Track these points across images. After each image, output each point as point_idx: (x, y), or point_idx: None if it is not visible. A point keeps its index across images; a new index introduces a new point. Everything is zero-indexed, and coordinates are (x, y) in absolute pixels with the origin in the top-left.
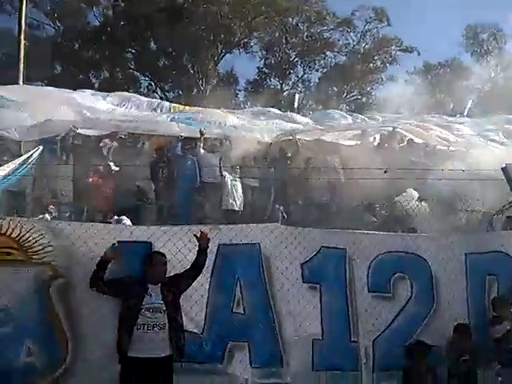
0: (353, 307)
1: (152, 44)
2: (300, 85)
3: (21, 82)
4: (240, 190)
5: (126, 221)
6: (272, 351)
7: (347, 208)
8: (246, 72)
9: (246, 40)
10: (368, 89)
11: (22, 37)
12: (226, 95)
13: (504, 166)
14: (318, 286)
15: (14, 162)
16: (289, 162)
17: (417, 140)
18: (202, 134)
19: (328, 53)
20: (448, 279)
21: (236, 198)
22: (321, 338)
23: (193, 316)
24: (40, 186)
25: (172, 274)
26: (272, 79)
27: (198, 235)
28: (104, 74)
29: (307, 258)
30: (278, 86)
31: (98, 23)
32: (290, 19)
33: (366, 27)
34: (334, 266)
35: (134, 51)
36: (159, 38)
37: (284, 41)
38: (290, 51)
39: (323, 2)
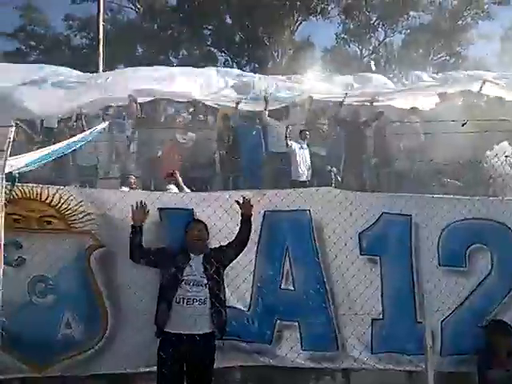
0: (419, 283)
1: (228, 19)
2: (381, 49)
3: (101, 65)
4: (308, 159)
5: (174, 188)
6: (325, 332)
7: (428, 173)
8: (323, 39)
9: (322, 5)
10: (458, 49)
11: (101, 19)
12: (303, 64)
13: None
14: (377, 258)
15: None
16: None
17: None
18: (266, 101)
19: (412, 12)
20: None
21: (304, 167)
22: (381, 317)
23: (238, 291)
24: (109, 161)
25: (215, 245)
26: (351, 45)
27: (240, 201)
28: (183, 52)
29: (365, 227)
30: (358, 52)
31: (176, 2)
32: None
33: None
34: (397, 236)
35: (210, 27)
36: (234, 12)
37: (364, 3)
38: (370, 13)
39: None
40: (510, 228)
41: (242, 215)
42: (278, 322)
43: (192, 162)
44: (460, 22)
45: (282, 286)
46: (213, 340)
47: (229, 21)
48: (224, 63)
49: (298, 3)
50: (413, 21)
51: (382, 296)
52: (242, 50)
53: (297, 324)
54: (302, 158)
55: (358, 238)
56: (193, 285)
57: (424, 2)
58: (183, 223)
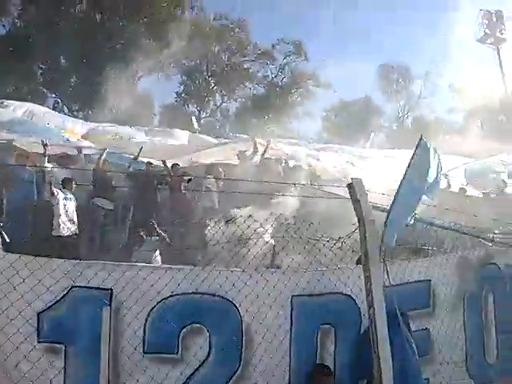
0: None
1: (63, 60)
2: (218, 113)
3: None
4: (73, 211)
5: None
6: None
7: None
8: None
9: (164, 63)
10: (285, 122)
11: None
12: (139, 116)
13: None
14: (62, 346)
15: None
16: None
17: None
18: (44, 145)
19: (247, 83)
20: None
21: (66, 221)
22: None
23: None
24: None
25: None
26: (190, 105)
27: None
28: (10, 87)
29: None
30: (196, 113)
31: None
32: (212, 47)
33: (285, 60)
34: (89, 317)
35: (42, 65)
36: (70, 54)
37: (205, 68)
38: (210, 78)
39: (247, 32)
40: (234, 304)
41: None
42: None
43: None
44: (289, 99)
45: None
46: None
47: (64, 62)
48: (54, 105)
49: (140, 59)
50: (247, 91)
51: None
52: (74, 94)
53: None
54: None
55: (38, 318)
56: None
57: (259, 76)
58: None
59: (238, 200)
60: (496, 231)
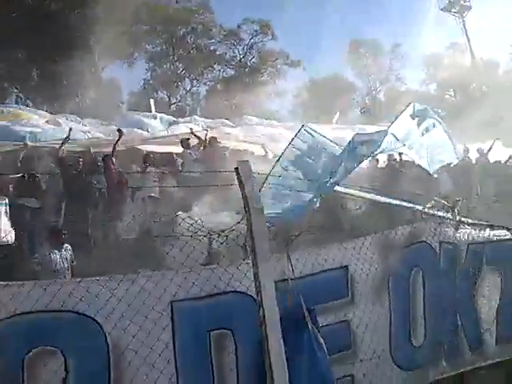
0: None
1: (20, 53)
2: (189, 98)
3: None
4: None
5: None
6: None
7: None
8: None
9: (128, 50)
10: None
11: None
12: (106, 105)
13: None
14: None
15: None
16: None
17: None
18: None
19: (215, 66)
20: None
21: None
22: None
23: None
24: None
25: None
26: (159, 92)
27: None
28: None
29: None
30: (166, 99)
31: None
32: (176, 30)
33: (252, 40)
34: None
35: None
36: (28, 45)
37: (171, 52)
38: (177, 63)
39: (211, 13)
40: (95, 319)
41: None
42: None
43: None
44: (259, 79)
45: None
46: None
47: (22, 55)
48: (16, 100)
49: (102, 47)
50: (217, 73)
51: None
52: (36, 87)
53: None
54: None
55: None
56: None
57: (226, 57)
58: None
59: None
60: (428, 205)
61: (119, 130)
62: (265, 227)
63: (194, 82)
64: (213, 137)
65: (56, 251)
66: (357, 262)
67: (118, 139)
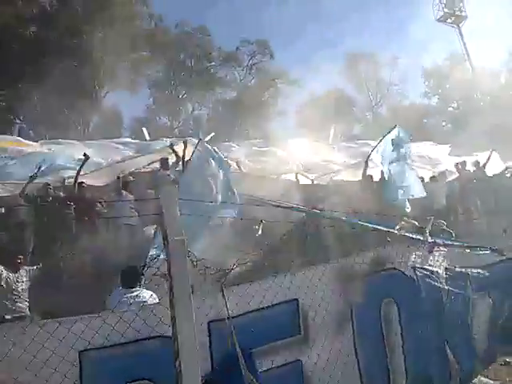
0: None
1: (19, 84)
2: (191, 121)
3: None
4: None
5: None
6: None
7: None
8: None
9: (131, 77)
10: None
11: None
12: (109, 133)
13: None
14: None
15: None
16: None
17: None
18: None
19: (216, 88)
20: None
21: None
22: None
23: None
24: None
25: None
26: (161, 117)
27: None
28: None
29: None
30: (168, 124)
31: None
32: (176, 55)
33: (251, 61)
34: None
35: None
36: (30, 77)
37: (172, 77)
38: (179, 88)
39: (208, 36)
40: None
41: None
42: None
43: None
44: (261, 99)
45: None
46: None
47: (22, 86)
48: (19, 130)
49: (102, 73)
50: (218, 96)
51: None
52: (39, 118)
53: None
54: None
55: None
56: None
57: (227, 80)
58: None
59: None
60: (397, 227)
61: (85, 155)
62: (185, 262)
63: (196, 105)
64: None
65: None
66: (310, 295)
67: (83, 164)
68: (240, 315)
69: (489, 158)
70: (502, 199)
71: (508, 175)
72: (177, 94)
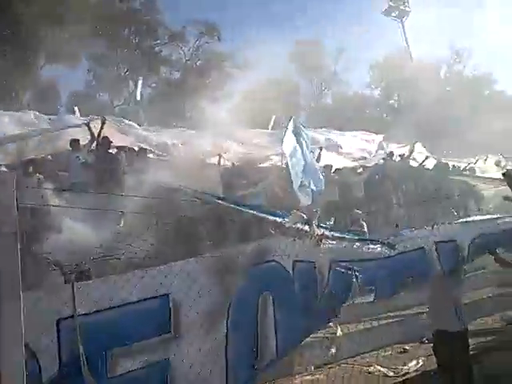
0: None
1: None
2: (132, 100)
3: None
4: None
5: None
6: None
7: None
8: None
9: (70, 50)
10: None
11: None
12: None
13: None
14: None
15: None
16: None
17: None
18: None
19: (161, 67)
20: None
21: None
22: None
23: None
24: None
25: None
26: (102, 93)
27: None
28: None
29: None
30: (109, 102)
31: None
32: (120, 30)
33: (198, 42)
34: None
35: None
36: None
37: (114, 53)
38: (121, 65)
39: (157, 14)
40: None
41: None
42: None
43: None
44: (207, 81)
45: None
46: None
47: None
48: None
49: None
50: (162, 75)
51: None
52: None
53: None
54: None
55: None
56: None
57: (172, 59)
58: None
59: None
60: (286, 219)
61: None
62: (15, 257)
63: (139, 83)
64: (105, 136)
65: None
66: (184, 289)
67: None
68: (96, 312)
69: (412, 150)
70: (421, 189)
71: (426, 166)
72: (119, 70)
